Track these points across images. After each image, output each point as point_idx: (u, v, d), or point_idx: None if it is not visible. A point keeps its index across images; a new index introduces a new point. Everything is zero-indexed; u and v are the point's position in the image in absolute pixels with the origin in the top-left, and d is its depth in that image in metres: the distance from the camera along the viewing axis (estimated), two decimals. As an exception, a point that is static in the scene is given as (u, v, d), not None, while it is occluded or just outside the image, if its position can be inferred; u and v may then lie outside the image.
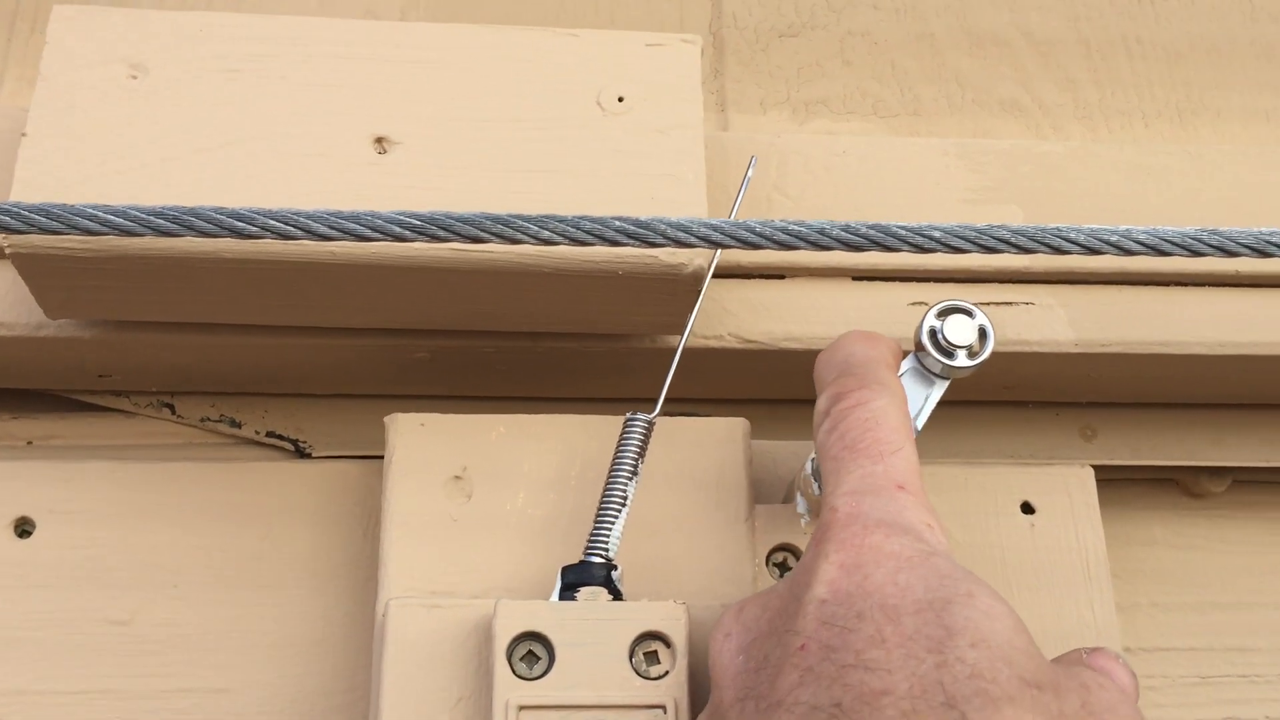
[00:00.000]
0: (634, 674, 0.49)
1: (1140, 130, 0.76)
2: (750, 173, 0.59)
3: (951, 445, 0.71)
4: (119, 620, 0.58)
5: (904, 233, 0.47)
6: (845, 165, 0.65)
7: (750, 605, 0.45)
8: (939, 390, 0.52)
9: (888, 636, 0.39)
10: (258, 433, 0.64)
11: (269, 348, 0.59)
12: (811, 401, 0.52)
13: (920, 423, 0.54)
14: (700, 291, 0.55)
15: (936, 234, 0.47)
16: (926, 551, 0.42)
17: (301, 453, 0.64)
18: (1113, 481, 0.73)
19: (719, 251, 0.57)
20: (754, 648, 0.43)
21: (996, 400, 0.71)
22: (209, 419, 0.64)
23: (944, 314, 0.52)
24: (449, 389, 0.64)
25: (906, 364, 0.53)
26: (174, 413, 0.64)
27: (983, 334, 0.52)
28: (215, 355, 0.60)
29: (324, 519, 0.61)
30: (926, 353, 0.51)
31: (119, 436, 0.64)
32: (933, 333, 0.52)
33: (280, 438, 0.64)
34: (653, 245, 0.46)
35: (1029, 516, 0.66)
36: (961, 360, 0.52)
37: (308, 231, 0.44)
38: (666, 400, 0.56)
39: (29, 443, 0.64)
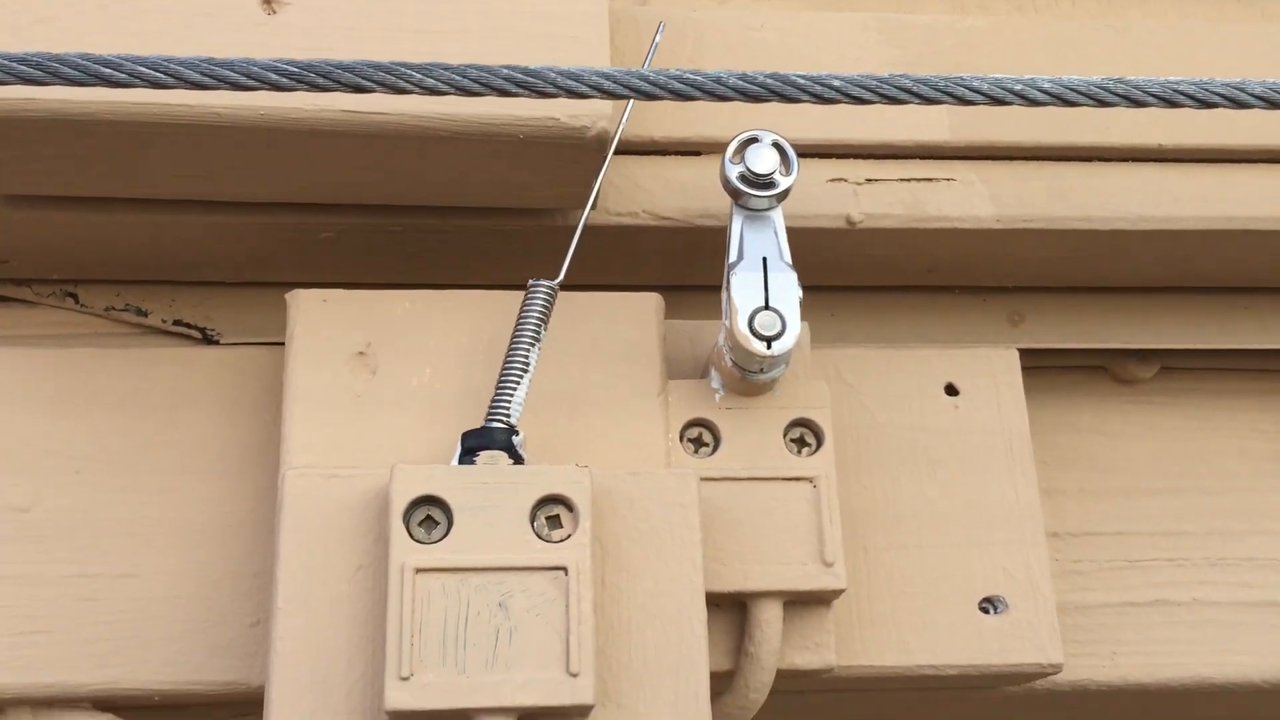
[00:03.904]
0: (535, 537, 0.48)
1: (1068, 6, 0.75)
2: (658, 37, 0.58)
3: (878, 331, 0.70)
4: (18, 506, 0.56)
5: (803, 82, 0.46)
6: (762, 40, 0.64)
7: None
8: (779, 219, 0.53)
9: None
10: (164, 321, 0.62)
11: (169, 225, 0.58)
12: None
13: (788, 256, 0.54)
14: (607, 155, 0.54)
15: (836, 83, 0.46)
16: None
17: (210, 340, 0.62)
18: (1043, 369, 0.72)
19: (627, 113, 0.56)
20: None
21: (922, 285, 0.70)
22: (114, 308, 0.62)
23: (738, 155, 0.53)
24: (359, 275, 0.62)
25: (736, 221, 0.53)
26: (78, 302, 0.62)
27: (779, 148, 0.52)
28: (115, 236, 0.58)
29: (231, 405, 0.60)
30: (749, 196, 0.52)
31: (21, 326, 0.62)
32: (743, 176, 0.53)
33: (188, 326, 0.62)
34: (543, 95, 0.44)
35: (953, 398, 0.65)
36: (782, 181, 0.53)
37: (180, 79, 0.42)
38: (583, 285, 0.55)
39: (-73, 334, 0.62)
